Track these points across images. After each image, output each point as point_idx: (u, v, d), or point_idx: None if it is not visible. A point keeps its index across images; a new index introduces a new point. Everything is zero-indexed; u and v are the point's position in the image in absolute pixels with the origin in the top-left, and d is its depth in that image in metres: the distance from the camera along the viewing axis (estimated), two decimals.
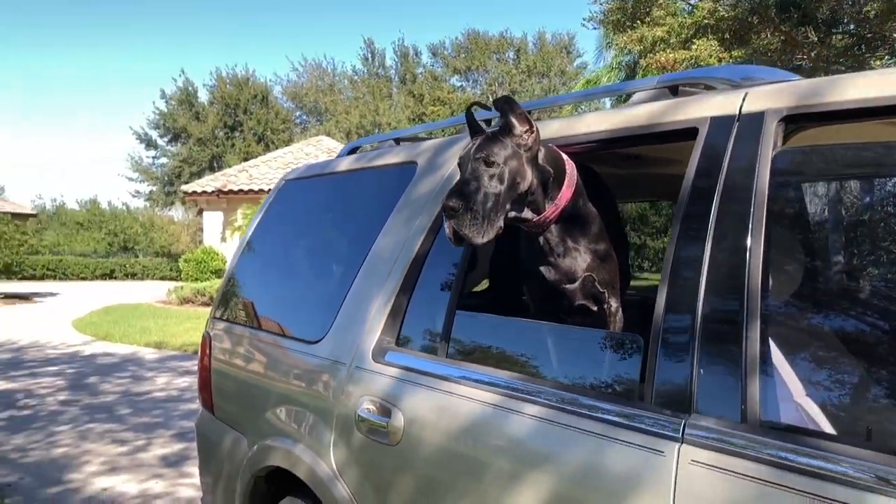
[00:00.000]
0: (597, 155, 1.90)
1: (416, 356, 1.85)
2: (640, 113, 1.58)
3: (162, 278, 30.90)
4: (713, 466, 1.13)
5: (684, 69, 9.37)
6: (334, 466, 1.93)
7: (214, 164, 33.89)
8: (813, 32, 8.93)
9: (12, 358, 9.07)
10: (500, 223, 1.61)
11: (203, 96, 36.37)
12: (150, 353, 9.62)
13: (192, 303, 16.04)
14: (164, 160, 37.27)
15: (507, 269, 2.41)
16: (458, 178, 1.68)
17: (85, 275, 31.57)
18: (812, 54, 9.28)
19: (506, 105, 1.65)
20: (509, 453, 1.49)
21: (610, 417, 1.32)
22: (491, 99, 1.97)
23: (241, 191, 17.13)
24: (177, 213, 40.04)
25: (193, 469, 4.31)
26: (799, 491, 1.02)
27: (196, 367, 5.39)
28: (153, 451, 4.99)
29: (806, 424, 1.22)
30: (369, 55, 38.00)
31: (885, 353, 1.24)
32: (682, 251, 1.32)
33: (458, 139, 2.06)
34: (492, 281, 2.70)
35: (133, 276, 32.63)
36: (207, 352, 2.77)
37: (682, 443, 1.19)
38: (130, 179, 38.03)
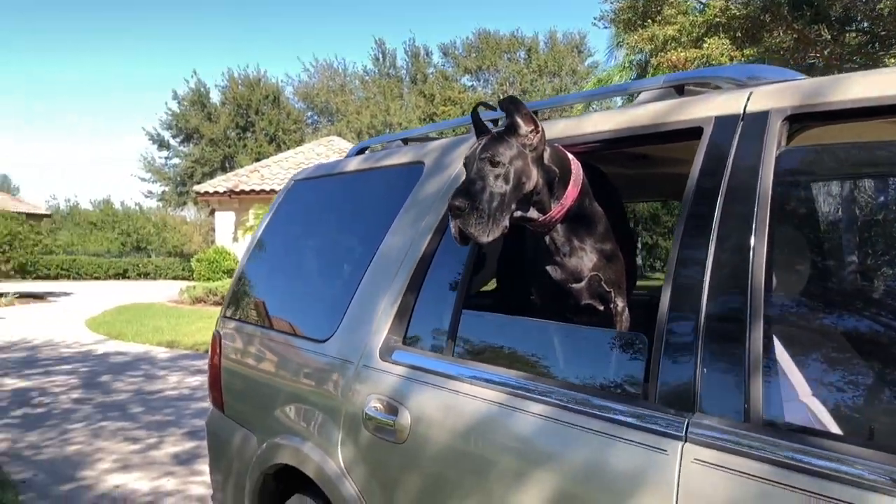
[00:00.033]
0: (603, 154, 1.90)
1: (422, 355, 1.86)
2: (645, 113, 1.58)
3: (174, 278, 31.10)
4: (716, 465, 1.13)
5: (696, 68, 9.33)
6: (342, 464, 1.95)
7: (226, 165, 34.06)
8: (826, 30, 8.86)
9: (27, 356, 9.17)
10: (506, 222, 1.62)
11: (215, 97, 36.61)
12: (162, 352, 9.70)
13: (204, 302, 16.14)
14: (176, 161, 37.53)
15: (515, 268, 2.42)
16: (464, 177, 1.69)
17: (98, 274, 31.84)
18: (825, 52, 9.20)
19: (511, 105, 1.65)
20: (514, 451, 1.50)
21: (614, 416, 1.33)
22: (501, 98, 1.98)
23: (252, 191, 17.22)
24: (189, 213, 40.34)
25: (204, 467, 4.34)
26: (802, 490, 1.02)
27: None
28: (165, 448, 5.04)
29: (809, 424, 1.22)
30: (380, 55, 38.09)
31: (890, 352, 1.23)
32: (686, 250, 1.33)
33: (465, 139, 2.07)
34: (499, 281, 2.71)
35: (146, 275, 32.87)
36: (217, 350, 2.80)
37: (685, 441, 1.19)
38: (143, 180, 38.34)
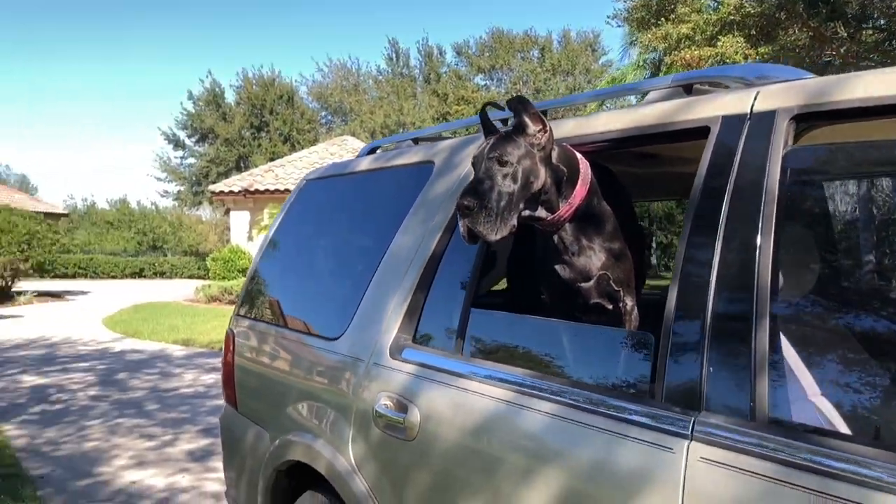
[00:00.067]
0: (613, 154, 1.90)
1: (432, 353, 1.88)
2: (653, 112, 1.58)
3: (190, 277, 31.33)
4: (722, 463, 1.14)
5: (710, 66, 9.28)
6: (353, 461, 1.97)
7: (241, 164, 34.30)
8: (842, 28, 8.78)
9: (45, 354, 9.29)
10: (514, 221, 1.63)
11: (230, 97, 36.89)
12: (177, 350, 9.79)
13: (220, 301, 16.26)
14: (191, 160, 37.86)
15: (525, 268, 2.43)
16: (472, 177, 1.70)
17: (115, 273, 32.14)
18: (841, 50, 9.12)
19: (519, 105, 1.66)
20: (522, 449, 1.51)
21: (621, 414, 1.34)
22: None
23: (266, 190, 17.33)
24: (204, 212, 40.62)
25: (219, 464, 4.37)
26: (807, 489, 1.03)
27: None
28: (180, 445, 5.09)
29: (815, 423, 1.22)
30: (394, 55, 38.18)
31: None
32: (692, 249, 1.33)
33: (475, 139, 2.08)
34: (510, 280, 2.72)
35: (162, 274, 33.14)
36: (231, 348, 2.83)
37: (691, 440, 1.20)
38: (159, 179, 38.74)
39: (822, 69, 9.25)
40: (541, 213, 1.73)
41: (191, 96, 36.49)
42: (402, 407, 1.82)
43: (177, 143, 37.35)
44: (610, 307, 1.87)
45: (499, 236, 1.60)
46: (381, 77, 38.30)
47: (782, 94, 1.33)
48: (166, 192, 39.23)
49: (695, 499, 1.16)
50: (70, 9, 65.58)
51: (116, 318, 13.69)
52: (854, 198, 1.41)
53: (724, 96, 1.45)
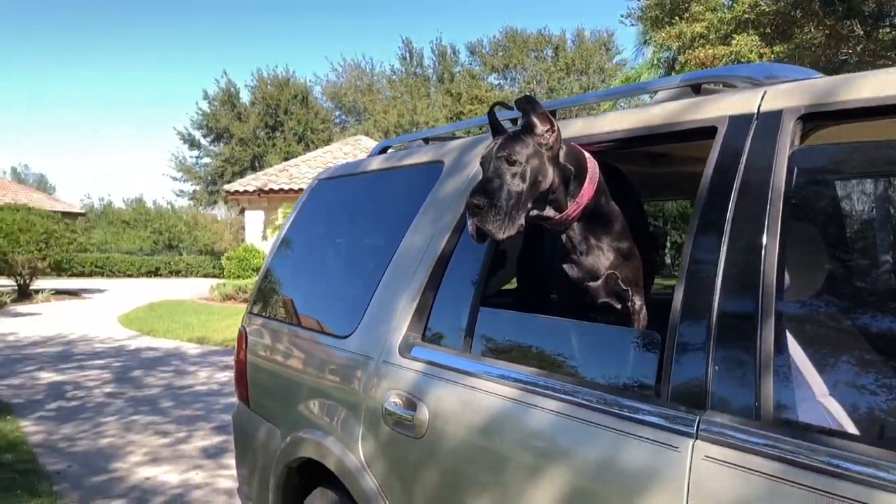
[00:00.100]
0: (622, 153, 1.91)
1: (441, 351, 1.89)
2: (660, 112, 1.59)
3: (205, 275, 31.52)
4: (727, 462, 1.14)
5: (724, 65, 9.22)
6: (362, 458, 1.98)
7: (256, 164, 34.46)
8: (859, 26, 8.69)
9: (62, 351, 9.40)
10: (522, 220, 1.64)
11: (245, 97, 37.09)
12: (192, 348, 9.88)
13: (234, 299, 16.36)
14: (207, 160, 38.09)
15: (534, 268, 2.43)
16: (481, 176, 1.71)
17: (131, 272, 32.42)
18: (858, 49, 9.03)
19: (527, 105, 1.67)
20: (529, 447, 1.52)
21: (627, 413, 1.34)
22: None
23: (281, 190, 17.42)
24: (220, 211, 40.89)
25: (232, 461, 4.41)
26: (812, 488, 1.03)
27: None
28: (194, 442, 5.14)
29: (819, 422, 1.22)
30: (407, 54, 38.24)
31: None
32: (699, 249, 1.33)
33: (484, 138, 2.09)
34: (520, 280, 2.72)
35: (177, 273, 33.38)
36: (243, 346, 2.86)
37: (696, 439, 1.20)
38: (175, 179, 38.99)
39: (837, 68, 9.17)
40: (549, 212, 1.73)
41: (206, 96, 36.75)
42: (412, 405, 1.83)
43: (192, 143, 37.61)
44: (618, 306, 1.87)
45: (507, 235, 1.61)
46: (394, 77, 38.41)
47: (789, 93, 1.32)
48: (182, 191, 39.54)
49: (700, 497, 1.16)
50: (84, 14, 66.29)
51: (132, 316, 13.83)
52: (861, 198, 1.41)
53: (732, 96, 1.45)
